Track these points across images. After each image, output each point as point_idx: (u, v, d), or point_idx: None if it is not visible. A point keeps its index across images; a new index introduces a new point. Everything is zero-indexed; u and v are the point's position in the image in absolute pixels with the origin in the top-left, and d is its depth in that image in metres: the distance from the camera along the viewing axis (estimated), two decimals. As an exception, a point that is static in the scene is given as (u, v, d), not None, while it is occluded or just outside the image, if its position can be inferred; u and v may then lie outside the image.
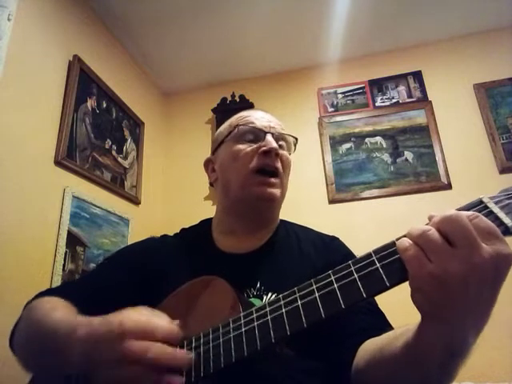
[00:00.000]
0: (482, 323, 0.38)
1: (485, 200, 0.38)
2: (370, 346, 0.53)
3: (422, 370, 0.42)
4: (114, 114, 1.92)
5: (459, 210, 0.38)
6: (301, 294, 0.42)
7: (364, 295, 0.39)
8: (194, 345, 0.48)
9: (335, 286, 0.40)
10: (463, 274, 0.34)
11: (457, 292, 0.34)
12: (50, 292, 0.67)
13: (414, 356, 0.42)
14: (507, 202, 0.37)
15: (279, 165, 0.71)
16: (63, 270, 1.39)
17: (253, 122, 0.73)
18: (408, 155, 2.02)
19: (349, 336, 0.57)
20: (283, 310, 0.42)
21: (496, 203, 0.37)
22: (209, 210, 2.10)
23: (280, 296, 0.44)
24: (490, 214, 0.37)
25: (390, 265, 0.39)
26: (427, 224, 0.38)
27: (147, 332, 0.43)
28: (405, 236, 0.39)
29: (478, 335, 0.38)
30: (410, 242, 0.37)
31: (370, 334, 0.54)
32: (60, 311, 0.55)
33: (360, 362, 0.53)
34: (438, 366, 0.40)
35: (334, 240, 0.75)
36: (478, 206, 0.38)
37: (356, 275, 0.40)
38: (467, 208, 0.38)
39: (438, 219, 0.37)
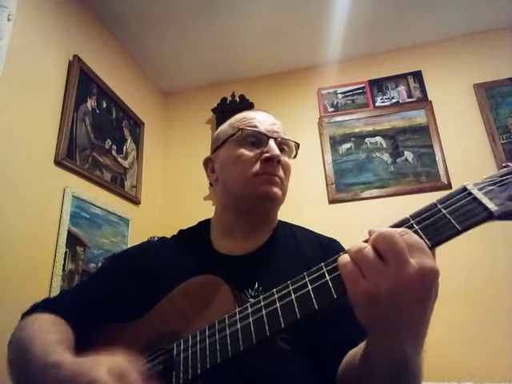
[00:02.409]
0: (418, 337, 0.39)
1: (468, 187, 0.39)
2: (349, 355, 0.54)
3: (375, 379, 0.44)
4: (114, 114, 1.92)
5: (443, 198, 0.39)
6: (294, 287, 0.43)
7: None
8: (190, 343, 0.48)
9: (327, 278, 0.41)
10: (393, 291, 0.35)
11: (388, 308, 0.36)
12: (46, 304, 0.66)
13: (366, 367, 0.45)
14: (490, 187, 0.38)
15: (281, 172, 0.71)
16: (63, 270, 1.39)
17: (256, 126, 0.73)
18: (408, 155, 2.02)
19: (335, 346, 0.57)
20: (277, 304, 0.43)
21: (480, 189, 0.38)
22: (209, 210, 2.10)
23: (274, 290, 0.44)
24: (474, 201, 0.37)
25: None
26: (366, 240, 0.39)
27: (116, 380, 0.41)
28: (401, 224, 0.40)
29: (419, 348, 0.40)
30: (348, 258, 0.38)
31: (357, 343, 0.54)
32: (41, 339, 0.53)
33: (340, 369, 0.55)
34: (388, 377, 0.42)
35: (332, 242, 0.75)
36: (462, 193, 0.39)
37: None
38: (451, 196, 0.39)
39: (374, 236, 0.38)
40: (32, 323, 0.60)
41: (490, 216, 0.36)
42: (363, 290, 0.36)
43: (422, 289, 0.35)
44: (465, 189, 0.39)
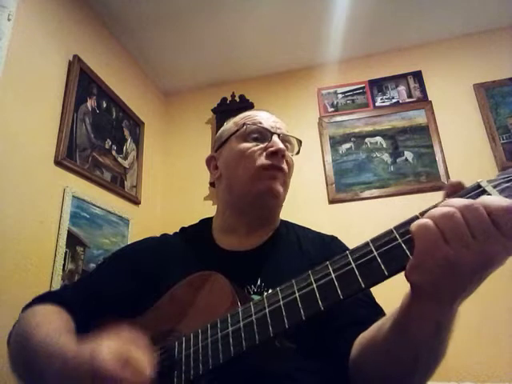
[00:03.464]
0: (465, 299, 0.40)
1: (483, 184, 0.37)
2: (363, 337, 0.53)
3: (412, 348, 0.43)
4: (114, 114, 1.92)
5: (458, 195, 0.38)
6: (299, 286, 0.42)
7: (362, 285, 0.38)
8: (192, 342, 0.47)
9: (333, 276, 0.40)
10: (475, 264, 0.35)
11: (464, 278, 0.36)
12: (47, 296, 0.67)
13: (403, 334, 0.43)
14: (505, 185, 0.36)
15: (285, 166, 0.72)
16: (63, 270, 1.39)
17: (260, 122, 0.74)
18: (408, 155, 2.02)
19: (344, 329, 0.57)
20: (281, 303, 0.42)
21: (494, 187, 0.36)
22: (209, 210, 2.10)
23: (278, 289, 0.44)
24: None
25: (388, 253, 0.38)
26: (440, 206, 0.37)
27: (120, 367, 0.41)
28: (406, 223, 0.39)
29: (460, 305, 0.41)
30: (431, 221, 0.36)
31: (366, 327, 0.54)
32: (44, 328, 0.54)
33: (355, 355, 0.54)
34: (426, 342, 0.42)
35: (333, 239, 0.76)
36: (476, 190, 0.37)
37: (354, 265, 0.40)
38: (465, 193, 0.38)
39: (461, 205, 0.35)
40: (33, 315, 0.60)
41: None
42: (445, 257, 0.35)
43: (498, 266, 0.35)
44: (479, 186, 0.37)
